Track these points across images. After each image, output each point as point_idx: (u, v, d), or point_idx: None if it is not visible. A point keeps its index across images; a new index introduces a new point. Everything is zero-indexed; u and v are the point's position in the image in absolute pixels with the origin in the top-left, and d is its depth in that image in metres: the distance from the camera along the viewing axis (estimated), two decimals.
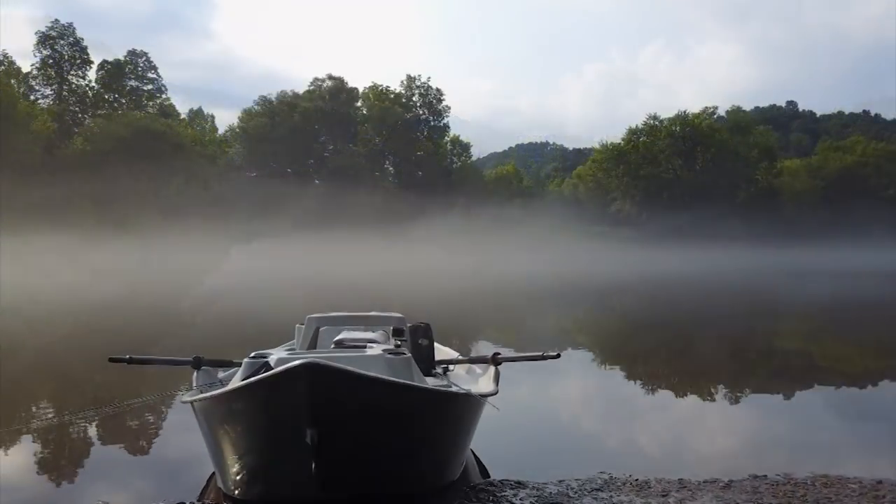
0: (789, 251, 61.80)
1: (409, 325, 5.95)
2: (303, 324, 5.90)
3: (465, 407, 4.12)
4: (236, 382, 3.99)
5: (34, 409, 7.68)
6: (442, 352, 6.45)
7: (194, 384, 4.87)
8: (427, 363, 5.67)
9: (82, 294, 26.51)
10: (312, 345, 5.76)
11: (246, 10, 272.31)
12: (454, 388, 4.64)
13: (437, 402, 3.82)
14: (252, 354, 4.20)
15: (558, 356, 5.42)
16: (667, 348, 13.02)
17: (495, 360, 5.54)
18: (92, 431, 6.58)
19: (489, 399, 4.44)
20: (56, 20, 69.53)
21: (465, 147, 76.93)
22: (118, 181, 54.73)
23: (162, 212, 53.77)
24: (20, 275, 32.99)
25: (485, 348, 13.09)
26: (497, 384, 5.00)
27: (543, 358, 5.40)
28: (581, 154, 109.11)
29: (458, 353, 6.52)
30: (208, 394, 3.81)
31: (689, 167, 74.14)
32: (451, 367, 6.03)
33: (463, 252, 53.55)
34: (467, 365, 6.13)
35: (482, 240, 59.06)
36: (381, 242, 54.85)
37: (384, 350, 4.25)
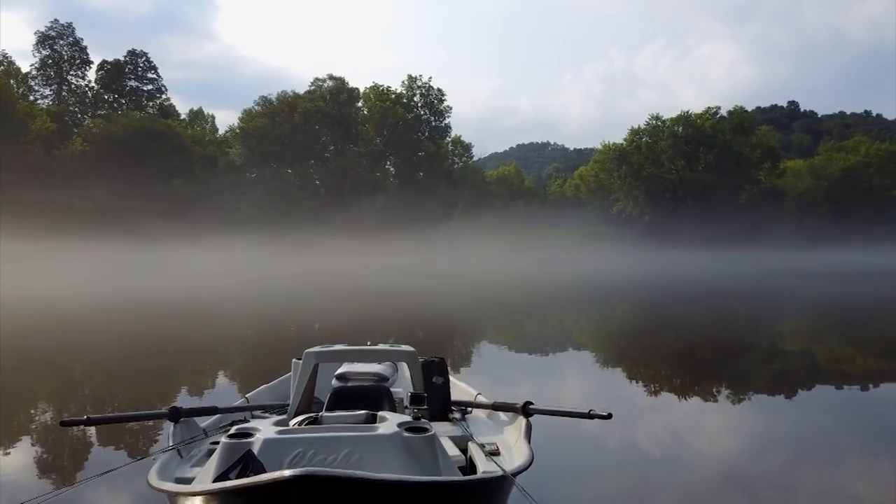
0: (793, 251, 61.58)
1: (420, 359, 5.21)
2: (300, 358, 5.17)
3: (498, 490, 3.49)
4: (213, 464, 3.30)
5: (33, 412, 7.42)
6: (458, 389, 5.72)
7: (170, 440, 4.24)
8: (442, 405, 5.02)
9: (82, 295, 26.24)
10: (311, 382, 5.00)
11: (247, 10, 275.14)
12: (489, 471, 3.77)
13: (467, 494, 3.18)
14: (233, 431, 3.41)
15: (610, 416, 4.20)
16: (722, 374, 10.64)
17: (526, 411, 4.51)
18: (92, 436, 6.36)
19: (525, 477, 3.57)
20: (56, 20, 69.46)
21: (467, 147, 76.45)
22: (118, 181, 54.44)
23: (161, 212, 53.45)
24: (17, 276, 32.73)
25: (497, 357, 12.60)
26: (529, 444, 4.10)
27: (590, 416, 4.24)
28: (582, 154, 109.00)
29: (477, 392, 5.67)
30: (176, 488, 3.27)
31: (691, 167, 73.79)
32: (469, 409, 5.24)
33: (464, 254, 53.26)
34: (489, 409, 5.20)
35: (484, 241, 58.77)
36: (382, 244, 54.54)
37: (400, 425, 3.49)
